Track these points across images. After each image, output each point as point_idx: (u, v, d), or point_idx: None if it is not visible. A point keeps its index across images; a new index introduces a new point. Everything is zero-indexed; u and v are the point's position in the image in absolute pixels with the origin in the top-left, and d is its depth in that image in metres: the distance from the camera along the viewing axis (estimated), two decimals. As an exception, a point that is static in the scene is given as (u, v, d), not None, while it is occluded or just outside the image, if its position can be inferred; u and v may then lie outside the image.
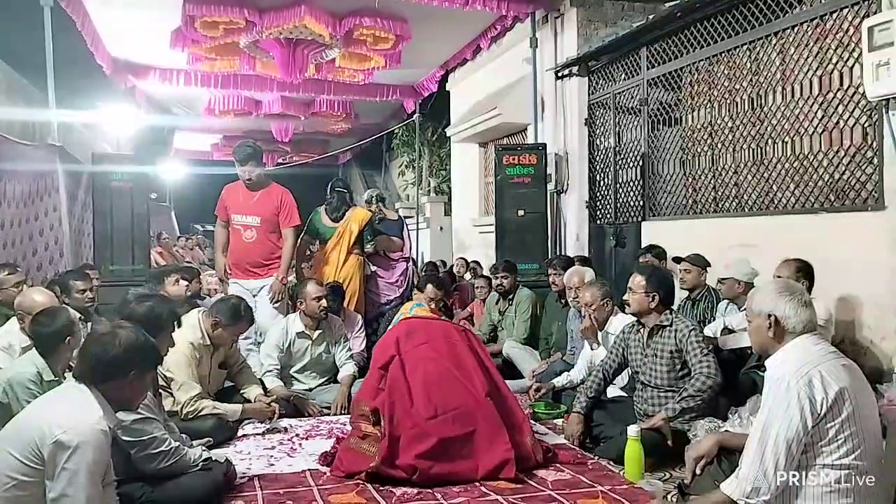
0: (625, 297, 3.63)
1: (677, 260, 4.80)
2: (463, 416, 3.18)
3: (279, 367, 4.52)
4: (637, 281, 3.52)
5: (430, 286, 4.73)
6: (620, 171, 6.65)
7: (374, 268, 6.05)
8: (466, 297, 7.07)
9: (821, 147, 4.56)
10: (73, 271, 5.04)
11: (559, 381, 4.29)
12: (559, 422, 4.06)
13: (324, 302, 4.58)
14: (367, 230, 5.83)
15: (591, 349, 4.15)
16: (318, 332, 4.66)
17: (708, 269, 4.70)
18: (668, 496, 2.77)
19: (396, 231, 6.37)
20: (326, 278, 5.41)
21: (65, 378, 3.02)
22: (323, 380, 4.72)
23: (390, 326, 4.18)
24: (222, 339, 3.95)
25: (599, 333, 4.17)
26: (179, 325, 3.09)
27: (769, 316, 2.23)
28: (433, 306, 4.46)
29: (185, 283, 5.20)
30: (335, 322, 4.85)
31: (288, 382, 4.56)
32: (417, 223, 10.50)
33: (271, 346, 4.55)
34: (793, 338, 2.21)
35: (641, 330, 3.58)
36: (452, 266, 8.80)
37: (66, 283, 4.46)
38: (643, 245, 5.60)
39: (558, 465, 3.27)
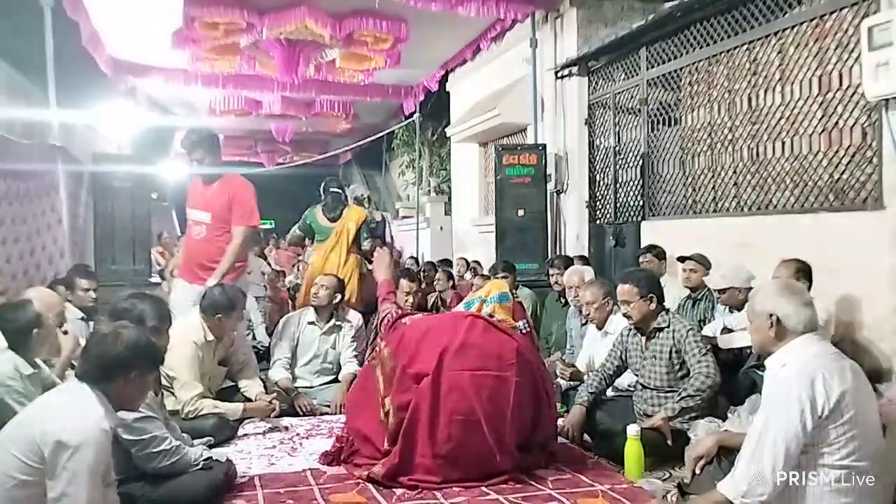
0: (624, 312, 3.56)
1: (682, 259, 4.79)
2: (476, 467, 3.05)
3: (290, 358, 4.61)
4: (627, 289, 3.47)
5: (403, 280, 4.74)
6: (620, 171, 6.65)
7: (370, 266, 6.06)
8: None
9: (820, 147, 4.56)
10: (79, 270, 4.95)
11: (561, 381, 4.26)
12: (560, 421, 4.05)
13: (321, 291, 4.66)
14: (363, 228, 5.86)
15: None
16: (328, 325, 4.72)
17: (710, 269, 4.70)
18: (668, 495, 2.77)
19: (380, 232, 6.45)
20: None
21: (44, 369, 3.01)
22: (327, 379, 4.74)
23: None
24: (230, 325, 3.99)
25: (599, 333, 4.18)
26: (170, 325, 3.08)
27: (770, 315, 2.24)
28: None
29: None
30: (346, 322, 4.88)
31: (293, 378, 4.61)
32: (417, 223, 10.52)
33: (283, 336, 4.66)
34: (794, 337, 2.22)
35: (639, 334, 3.57)
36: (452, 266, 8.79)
37: (72, 281, 4.46)
38: (643, 245, 5.60)
39: (558, 464, 3.27)
